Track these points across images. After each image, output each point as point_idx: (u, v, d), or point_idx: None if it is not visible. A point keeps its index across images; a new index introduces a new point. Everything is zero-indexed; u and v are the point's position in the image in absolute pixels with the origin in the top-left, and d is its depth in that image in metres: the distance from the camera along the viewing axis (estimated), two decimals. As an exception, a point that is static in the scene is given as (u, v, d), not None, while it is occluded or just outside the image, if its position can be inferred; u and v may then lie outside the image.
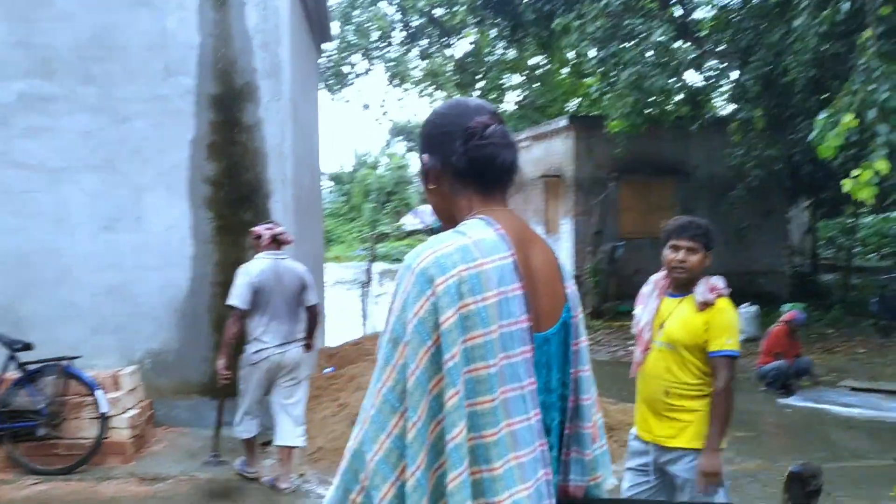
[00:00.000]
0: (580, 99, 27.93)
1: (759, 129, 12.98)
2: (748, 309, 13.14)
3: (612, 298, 15.06)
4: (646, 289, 3.69)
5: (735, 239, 15.84)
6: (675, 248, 3.46)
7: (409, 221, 41.15)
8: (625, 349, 12.35)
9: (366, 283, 14.28)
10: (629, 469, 3.64)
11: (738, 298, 14.33)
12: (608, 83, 12.93)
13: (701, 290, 3.40)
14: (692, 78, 14.72)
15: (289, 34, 6.70)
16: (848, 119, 7.72)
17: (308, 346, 6.07)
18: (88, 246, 6.70)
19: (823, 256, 20.87)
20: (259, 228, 5.75)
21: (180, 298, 6.74)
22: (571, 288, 1.73)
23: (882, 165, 7.46)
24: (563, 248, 16.32)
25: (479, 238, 1.53)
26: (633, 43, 12.37)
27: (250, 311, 5.57)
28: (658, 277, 3.64)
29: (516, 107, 27.26)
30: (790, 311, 9.98)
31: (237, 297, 5.48)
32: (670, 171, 15.88)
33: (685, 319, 3.41)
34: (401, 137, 47.48)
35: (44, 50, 6.61)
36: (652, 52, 12.44)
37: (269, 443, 6.57)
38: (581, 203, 15.70)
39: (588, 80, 28.48)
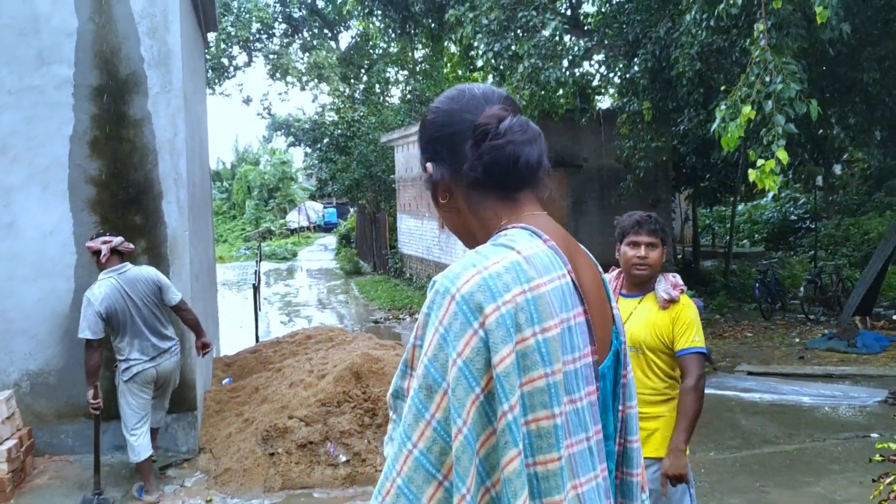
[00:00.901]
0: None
1: (647, 122, 13.26)
2: (641, 298, 13.42)
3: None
4: None
5: (624, 229, 16.21)
6: (635, 245, 3.28)
7: (294, 218, 40.19)
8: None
9: (256, 285, 13.60)
10: None
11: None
12: (501, 76, 12.83)
13: (664, 288, 3.24)
14: (581, 70, 14.86)
15: (179, 20, 6.13)
16: (747, 110, 7.91)
17: (205, 347, 5.69)
18: (-51, 256, 5.91)
19: (702, 244, 21.75)
20: (94, 243, 5.36)
21: (62, 312, 6.06)
22: (616, 308, 1.45)
23: (782, 155, 7.67)
24: (459, 243, 16.16)
25: (531, 252, 1.24)
26: (525, 35, 12.34)
27: (110, 335, 5.36)
28: (609, 278, 3.45)
29: (400, 102, 27.00)
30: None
31: (88, 329, 5.23)
32: (561, 163, 16.03)
33: (649, 320, 3.24)
34: (281, 132, 46.27)
35: None
36: (543, 45, 12.46)
37: (168, 466, 6.04)
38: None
39: (476, 74, 28.63)
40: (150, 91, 6.11)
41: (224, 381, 8.17)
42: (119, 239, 5.40)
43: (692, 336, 3.20)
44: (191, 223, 6.44)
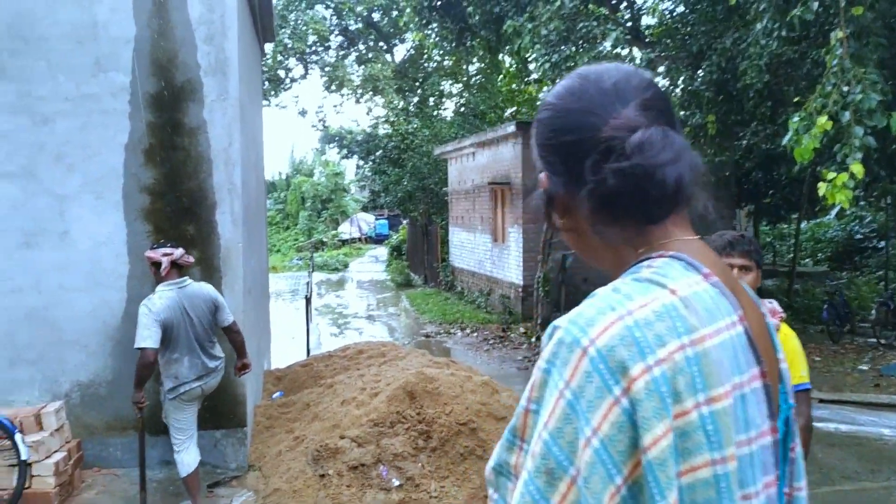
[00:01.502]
0: (517, 106, 27.76)
1: (710, 136, 12.82)
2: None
3: (562, 309, 14.70)
4: None
5: (683, 246, 15.73)
6: None
7: (346, 230, 40.36)
8: (581, 361, 11.95)
9: (308, 297, 13.50)
10: None
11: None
12: (560, 88, 12.52)
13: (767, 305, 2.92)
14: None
15: (236, 27, 6.01)
16: (822, 121, 7.48)
17: (244, 367, 5.51)
18: (2, 264, 5.85)
19: (765, 263, 21.04)
20: (155, 254, 5.19)
21: (114, 324, 5.95)
22: (784, 362, 1.10)
23: (857, 168, 7.24)
24: (512, 257, 15.91)
25: (689, 292, 0.94)
26: (585, 47, 12.05)
27: (160, 349, 5.16)
28: None
29: (453, 114, 26.88)
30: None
31: (147, 337, 5.02)
32: (619, 177, 15.64)
33: None
34: (334, 144, 46.65)
35: (-50, 41, 5.76)
36: (604, 57, 12.14)
37: (217, 483, 5.87)
38: (530, 211, 15.30)
39: (529, 88, 28.37)
40: (205, 99, 5.99)
41: (274, 396, 8.01)
42: (180, 251, 5.26)
43: (799, 371, 2.87)
44: (245, 235, 6.30)
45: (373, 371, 7.35)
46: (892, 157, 9.67)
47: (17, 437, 5.03)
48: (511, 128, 15.79)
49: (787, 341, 2.90)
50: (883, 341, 12.52)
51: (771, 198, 18.32)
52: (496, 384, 6.71)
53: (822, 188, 7.30)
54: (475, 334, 14.65)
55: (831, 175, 7.23)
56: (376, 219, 41.97)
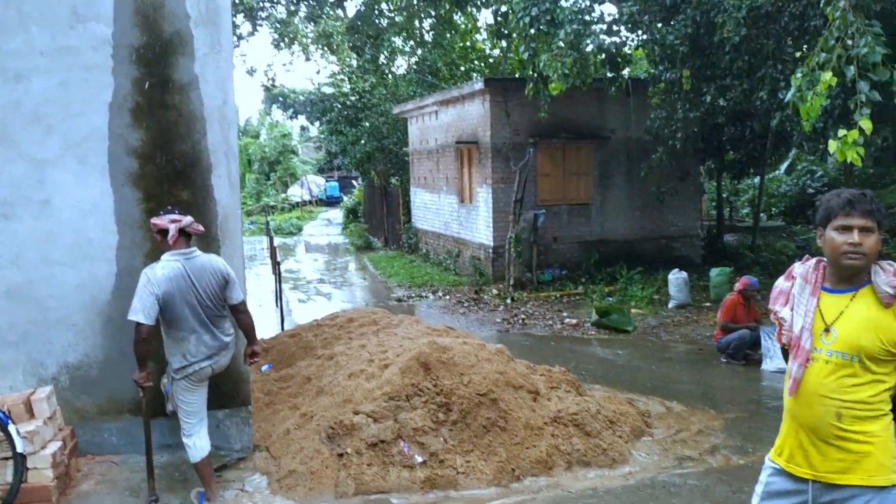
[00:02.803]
0: (470, 63, 27.27)
1: (685, 91, 12.66)
2: (677, 275, 12.93)
3: (534, 268, 14.55)
4: (786, 284, 2.94)
5: (651, 204, 15.69)
6: (845, 230, 2.71)
7: (296, 192, 39.48)
8: (561, 322, 11.85)
9: (279, 262, 13.01)
10: None
11: (656, 264, 14.08)
12: (536, 43, 12.14)
13: (886, 280, 2.68)
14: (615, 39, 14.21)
15: (227, -28, 5.49)
16: (827, 77, 7.32)
17: (254, 354, 5.13)
18: (-24, 237, 5.30)
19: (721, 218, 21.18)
20: (162, 221, 4.75)
21: (103, 299, 5.47)
22: None
23: (867, 124, 7.12)
24: (481, 217, 15.63)
25: None
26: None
27: (163, 325, 4.77)
28: (805, 269, 2.89)
29: (406, 71, 26.24)
30: (742, 279, 9.66)
31: (139, 310, 4.60)
32: (587, 135, 15.46)
33: (868, 319, 2.68)
34: (278, 104, 45.42)
35: None
36: (584, 11, 11.85)
37: (223, 467, 5.51)
38: (499, 170, 15.01)
39: (479, 45, 27.86)
40: (196, 52, 5.48)
41: (263, 368, 7.64)
42: (189, 219, 4.82)
43: None
44: (237, 201, 5.85)
45: (374, 341, 7.02)
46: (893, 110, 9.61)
47: (11, 427, 4.57)
48: (479, 85, 15.39)
49: None
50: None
51: (735, 154, 18.39)
52: (509, 352, 6.47)
53: (832, 146, 7.15)
54: (447, 297, 14.40)
55: (842, 132, 7.09)
56: (327, 181, 41.15)
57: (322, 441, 5.46)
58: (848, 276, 2.76)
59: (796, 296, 2.86)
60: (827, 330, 2.74)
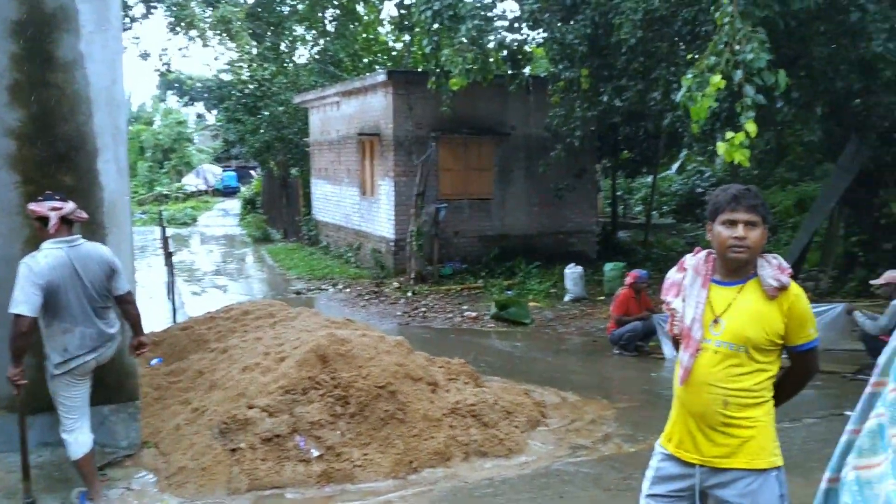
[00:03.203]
0: (373, 56, 27.13)
1: (583, 90, 12.97)
2: (573, 269, 13.26)
3: (435, 261, 14.60)
4: (678, 275, 3.03)
5: (549, 200, 16.01)
6: (731, 224, 2.81)
7: (191, 182, 38.20)
8: (461, 315, 11.94)
9: (171, 253, 12.53)
10: (654, 496, 3.00)
11: (553, 259, 14.40)
12: (439, 37, 12.16)
13: (771, 274, 2.79)
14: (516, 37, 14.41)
15: (116, -55, 5.21)
16: (716, 80, 7.64)
17: (141, 346, 4.92)
18: None
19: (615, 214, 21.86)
20: (40, 208, 4.50)
21: (-25, 289, 5.11)
22: None
23: (751, 127, 7.47)
24: (383, 210, 15.55)
25: None
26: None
27: (44, 317, 4.49)
28: (696, 261, 2.98)
29: (308, 61, 25.82)
30: (631, 273, 9.98)
31: (22, 302, 4.33)
32: (488, 130, 15.62)
33: (754, 311, 2.79)
34: (173, 91, 43.91)
35: None
36: (487, 7, 11.95)
37: (107, 465, 5.26)
38: (401, 163, 14.98)
39: (382, 38, 27.73)
40: (82, 29, 5.18)
41: (153, 362, 7.35)
42: (71, 206, 4.55)
43: (809, 329, 2.80)
44: (126, 186, 5.58)
45: (270, 334, 6.86)
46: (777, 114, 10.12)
47: None
48: (382, 77, 15.30)
49: (798, 300, 2.79)
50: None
51: (629, 153, 19.00)
52: (408, 344, 6.45)
53: (720, 148, 7.47)
54: (348, 290, 14.27)
55: (729, 134, 7.41)
56: (224, 170, 39.99)
57: (214, 436, 5.30)
58: (735, 269, 2.86)
59: (688, 287, 2.95)
60: (716, 321, 2.83)
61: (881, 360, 0.81)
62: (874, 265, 11.57)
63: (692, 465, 2.88)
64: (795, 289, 2.80)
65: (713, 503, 2.94)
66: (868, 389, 0.82)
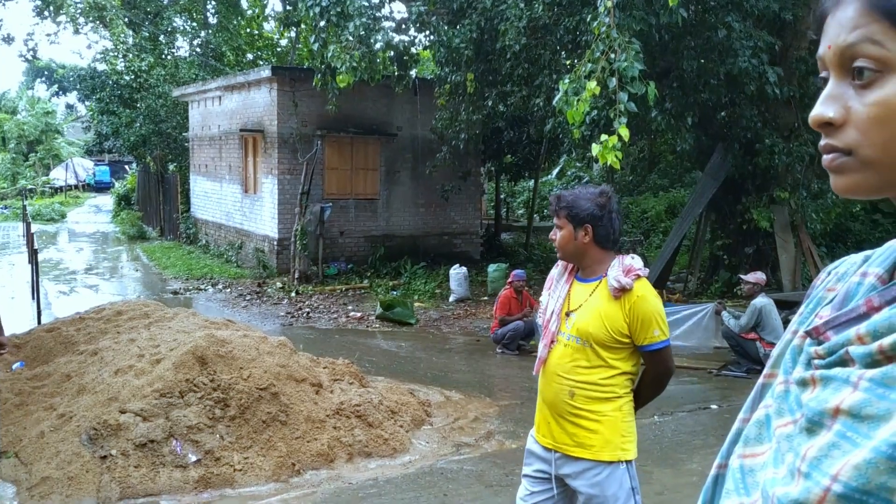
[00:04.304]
0: (257, 51, 26.55)
1: (469, 94, 13.16)
2: (458, 270, 13.43)
3: (320, 261, 14.43)
4: (555, 270, 3.14)
5: (435, 201, 16.14)
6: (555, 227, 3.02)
7: (60, 176, 36.10)
8: (346, 315, 11.85)
9: (36, 249, 11.79)
10: (526, 476, 3.11)
11: (438, 259, 14.54)
12: (326, 34, 12.03)
13: (613, 274, 2.87)
14: (403, 38, 14.46)
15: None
16: (592, 86, 7.93)
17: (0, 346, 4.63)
18: None
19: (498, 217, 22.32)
20: None
21: None
22: None
23: (624, 132, 7.79)
24: (266, 209, 15.23)
25: None
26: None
27: None
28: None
29: (189, 53, 24.94)
30: (512, 273, 10.22)
31: None
32: (375, 130, 15.59)
33: (600, 309, 2.88)
34: (42, 78, 41.45)
35: None
36: (375, 7, 11.91)
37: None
38: (286, 161, 14.72)
39: (266, 33, 27.16)
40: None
41: (15, 366, 6.90)
42: None
43: (652, 331, 2.86)
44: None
45: (145, 335, 6.57)
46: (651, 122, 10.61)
47: None
48: (266, 72, 14.99)
49: (643, 302, 2.85)
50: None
51: (513, 157, 19.41)
52: (292, 345, 6.34)
53: (595, 149, 7.76)
54: (228, 290, 13.88)
55: (603, 137, 7.70)
56: (96, 165, 38.01)
57: (83, 443, 5.03)
58: (588, 267, 2.99)
59: (555, 282, 3.08)
60: (568, 314, 2.95)
61: (774, 352, 0.88)
62: (736, 267, 12.34)
63: (550, 451, 3.00)
64: (641, 290, 2.87)
65: (571, 491, 3.05)
66: (760, 380, 0.88)
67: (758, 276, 8.46)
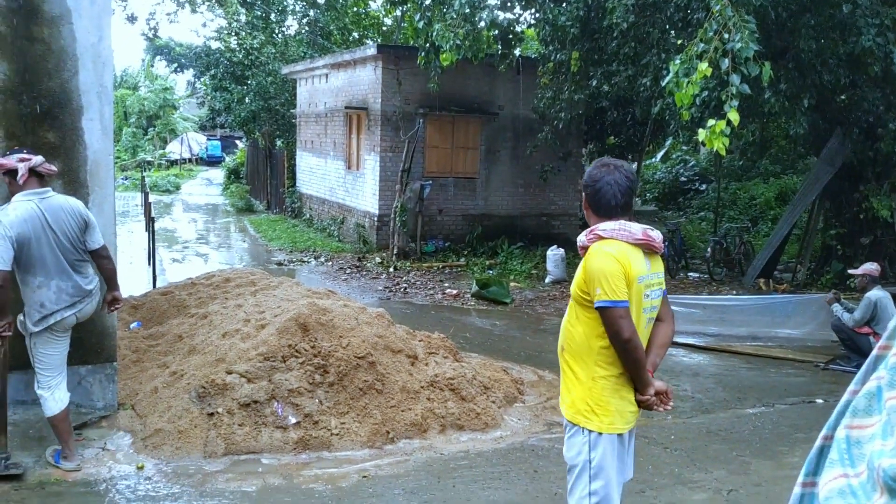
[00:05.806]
0: (363, 30, 26.90)
1: (573, 73, 12.95)
2: (556, 252, 13.32)
3: (418, 238, 14.61)
4: None
5: (534, 181, 16.03)
6: None
7: (175, 149, 37.85)
8: (442, 292, 11.97)
9: (154, 218, 12.44)
10: None
11: (535, 240, 14.43)
12: (431, 12, 12.09)
13: (582, 234, 3.10)
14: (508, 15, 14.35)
15: None
16: (703, 67, 7.66)
17: (115, 301, 4.90)
18: None
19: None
20: (8, 161, 4.46)
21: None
22: None
23: (734, 116, 7.50)
24: (368, 185, 15.52)
25: None
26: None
27: (19, 272, 4.46)
28: None
29: (297, 31, 25.56)
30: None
31: None
32: (477, 109, 15.59)
33: (579, 269, 3.09)
34: (162, 56, 43.31)
35: None
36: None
37: (84, 425, 5.26)
38: (388, 138, 14.93)
39: (372, 12, 27.49)
40: (70, -17, 5.11)
41: (132, 326, 7.32)
42: (39, 158, 4.51)
43: (595, 287, 2.93)
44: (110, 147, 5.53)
45: (251, 301, 6.85)
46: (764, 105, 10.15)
47: None
48: (372, 50, 15.20)
49: (587, 260, 3.00)
50: (716, 277, 13.48)
51: (616, 139, 19.04)
52: (389, 317, 6.47)
53: (701, 135, 7.51)
54: (330, 263, 14.25)
55: (711, 122, 7.44)
56: (208, 139, 39.63)
57: (192, 400, 5.30)
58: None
59: None
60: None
61: (891, 324, 0.84)
62: (851, 259, 11.72)
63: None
64: (593, 249, 2.99)
65: None
66: (874, 352, 0.85)
67: (867, 268, 8.02)
